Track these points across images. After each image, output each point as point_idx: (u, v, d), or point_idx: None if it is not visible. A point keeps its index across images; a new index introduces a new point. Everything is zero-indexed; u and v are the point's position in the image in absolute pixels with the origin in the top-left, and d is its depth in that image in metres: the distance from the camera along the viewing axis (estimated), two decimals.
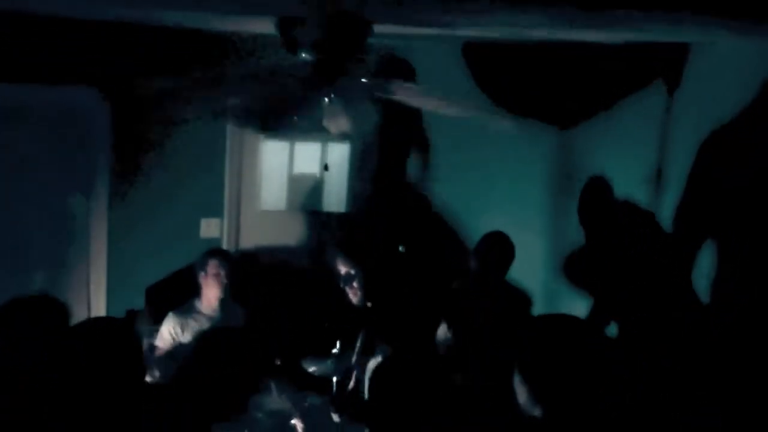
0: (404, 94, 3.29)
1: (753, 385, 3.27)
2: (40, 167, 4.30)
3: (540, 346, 2.70)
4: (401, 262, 4.51)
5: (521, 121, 3.36)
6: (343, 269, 3.89)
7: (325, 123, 3.05)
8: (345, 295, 3.92)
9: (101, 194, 4.43)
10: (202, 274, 4.03)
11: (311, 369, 3.57)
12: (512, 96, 4.62)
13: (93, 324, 2.98)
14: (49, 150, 4.32)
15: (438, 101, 3.38)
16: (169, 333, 3.95)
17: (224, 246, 4.60)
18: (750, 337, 3.49)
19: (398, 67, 4.69)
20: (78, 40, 4.17)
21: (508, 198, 4.86)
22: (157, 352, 3.93)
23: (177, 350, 3.91)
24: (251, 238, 4.76)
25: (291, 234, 4.82)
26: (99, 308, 4.43)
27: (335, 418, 3.36)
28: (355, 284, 3.89)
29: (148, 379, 3.74)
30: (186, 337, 3.93)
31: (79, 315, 4.32)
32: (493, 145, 4.71)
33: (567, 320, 2.95)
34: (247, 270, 4.62)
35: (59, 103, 4.29)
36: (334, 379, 3.55)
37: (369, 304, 3.77)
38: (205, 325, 3.98)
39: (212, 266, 4.01)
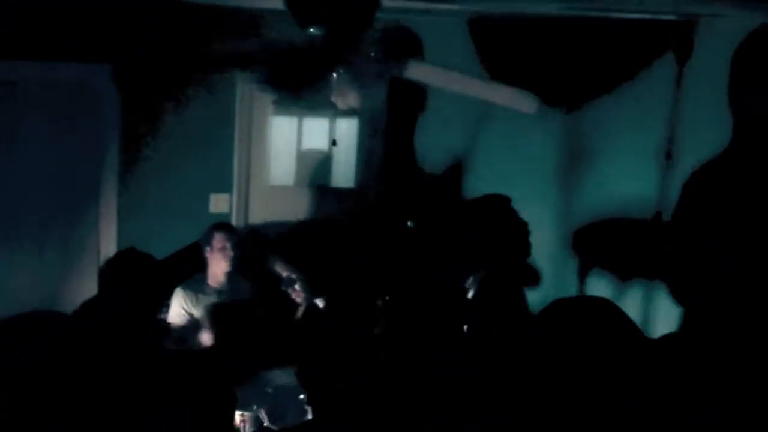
0: (413, 70, 3.28)
1: (753, 384, 3.25)
2: (50, 142, 4.32)
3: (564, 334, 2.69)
4: (409, 237, 4.52)
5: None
6: (283, 273, 3.89)
7: (334, 98, 3.04)
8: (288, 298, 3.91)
9: (111, 170, 4.45)
10: (208, 248, 4.05)
11: None
12: (519, 73, 4.60)
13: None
14: (59, 125, 4.34)
15: (447, 77, 3.37)
16: (179, 308, 3.99)
17: (233, 221, 4.62)
18: (752, 330, 3.48)
19: (406, 42, 4.67)
20: (89, 16, 4.17)
21: (515, 175, 4.85)
22: (170, 328, 3.97)
23: (188, 324, 3.95)
24: (260, 213, 4.78)
25: (299, 209, 4.84)
26: None
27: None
28: (297, 287, 3.88)
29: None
30: (196, 312, 3.97)
31: (89, 290, 4.37)
32: (500, 123, 4.70)
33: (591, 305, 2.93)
34: (255, 244, 4.65)
35: (71, 80, 4.30)
36: None
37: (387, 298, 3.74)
38: (214, 298, 4.01)
39: (218, 240, 4.04)
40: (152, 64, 4.36)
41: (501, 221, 3.66)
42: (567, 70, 4.68)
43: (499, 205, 3.69)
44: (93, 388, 2.52)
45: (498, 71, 4.56)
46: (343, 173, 4.87)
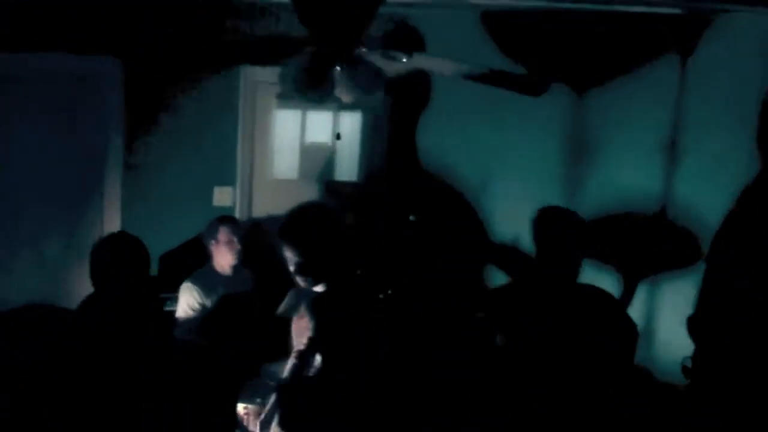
0: (416, 63, 3.28)
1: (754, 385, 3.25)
2: (54, 134, 4.34)
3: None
4: (412, 231, 4.52)
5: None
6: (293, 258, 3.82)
7: (337, 92, 3.04)
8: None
9: (115, 162, 4.46)
10: (213, 242, 4.05)
11: None
12: (527, 63, 4.59)
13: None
14: (63, 118, 4.35)
15: (450, 70, 3.36)
16: (190, 300, 3.99)
17: (237, 214, 4.63)
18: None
19: (408, 36, 4.66)
20: (94, 9, 4.18)
21: (521, 165, 4.85)
22: (178, 321, 3.97)
23: (197, 317, 3.95)
24: (263, 207, 4.78)
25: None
26: None
27: None
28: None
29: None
30: (205, 304, 3.97)
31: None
32: (506, 113, 4.69)
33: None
34: (258, 238, 4.66)
35: (74, 72, 4.31)
36: None
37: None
38: (221, 290, 4.02)
39: (224, 233, 4.04)
40: (157, 57, 4.36)
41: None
42: (572, 64, 4.66)
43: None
44: (92, 385, 2.52)
45: (505, 65, 4.55)
46: (347, 167, 4.88)
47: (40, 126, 4.32)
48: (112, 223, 4.47)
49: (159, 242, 4.52)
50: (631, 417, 2.36)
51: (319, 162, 4.85)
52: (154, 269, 4.49)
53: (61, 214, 4.44)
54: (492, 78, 3.34)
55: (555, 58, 4.66)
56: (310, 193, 4.84)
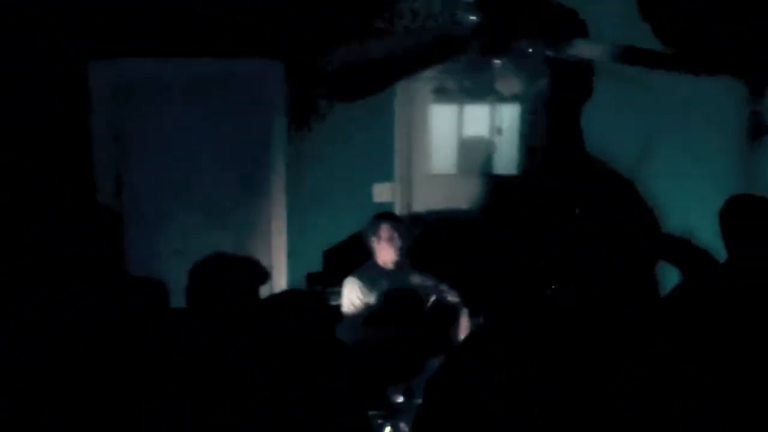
0: (578, 51, 3.18)
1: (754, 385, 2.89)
2: (227, 136, 4.56)
3: None
4: (578, 224, 4.38)
5: (710, 77, 3.11)
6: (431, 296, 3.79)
7: (498, 85, 3.00)
8: None
9: (279, 160, 4.63)
10: (374, 238, 4.08)
11: None
12: (696, 49, 4.32)
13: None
14: (235, 121, 4.57)
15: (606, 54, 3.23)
16: (350, 297, 4.06)
17: (397, 209, 4.67)
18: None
19: (569, 23, 4.51)
20: (264, 17, 4.37)
21: (693, 155, 4.58)
22: (345, 317, 4.05)
23: (362, 313, 4.01)
24: (423, 202, 4.80)
25: (462, 197, 4.82)
26: (281, 271, 4.66)
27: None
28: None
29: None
30: (370, 300, 4.02)
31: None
32: (675, 99, 4.45)
33: None
34: (419, 233, 4.68)
35: (243, 76, 4.51)
36: None
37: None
38: (385, 286, 4.05)
39: (385, 230, 4.07)
40: (316, 60, 4.48)
41: None
42: (747, 48, 4.35)
43: None
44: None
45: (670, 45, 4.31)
46: (506, 160, 4.80)
47: (212, 126, 4.55)
48: (278, 219, 4.65)
49: (322, 238, 4.66)
50: (631, 417, 2.18)
51: (477, 156, 4.80)
52: (318, 265, 4.66)
53: (229, 211, 4.65)
54: (649, 59, 3.17)
55: (716, 44, 4.37)
56: (469, 187, 4.81)
